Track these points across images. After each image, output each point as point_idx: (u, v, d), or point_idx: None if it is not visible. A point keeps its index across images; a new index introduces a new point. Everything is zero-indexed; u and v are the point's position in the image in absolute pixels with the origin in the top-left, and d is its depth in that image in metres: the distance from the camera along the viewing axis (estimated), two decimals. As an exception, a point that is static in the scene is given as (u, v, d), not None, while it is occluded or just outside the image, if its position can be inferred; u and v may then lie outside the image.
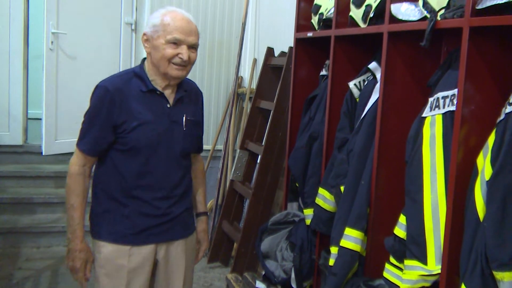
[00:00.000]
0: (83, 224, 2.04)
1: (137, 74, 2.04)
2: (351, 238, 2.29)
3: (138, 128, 1.98)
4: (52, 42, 4.48)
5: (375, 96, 2.33)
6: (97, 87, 2.02)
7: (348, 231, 2.30)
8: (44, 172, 4.80)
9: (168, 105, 2.06)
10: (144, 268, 2.08)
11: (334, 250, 2.39)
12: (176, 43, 1.97)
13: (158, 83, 2.05)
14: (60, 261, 4.08)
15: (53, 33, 4.49)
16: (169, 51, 1.96)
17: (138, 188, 2.03)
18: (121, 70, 4.66)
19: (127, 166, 2.02)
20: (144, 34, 2.02)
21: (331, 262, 2.39)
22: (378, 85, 2.30)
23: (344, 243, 2.30)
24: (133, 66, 4.91)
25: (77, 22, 4.70)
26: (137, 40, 5.03)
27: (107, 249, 2.05)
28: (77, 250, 2.03)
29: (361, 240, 2.28)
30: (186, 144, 2.13)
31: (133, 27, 5.04)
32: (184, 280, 2.20)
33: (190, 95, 2.18)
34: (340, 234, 2.33)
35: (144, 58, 2.10)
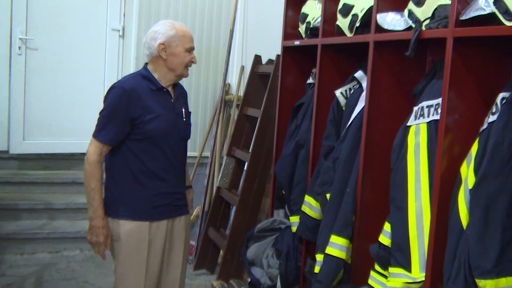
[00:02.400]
0: (103, 204, 2.33)
1: (144, 76, 2.38)
2: (337, 246, 2.30)
3: (152, 120, 2.31)
4: (19, 48, 4.71)
5: (361, 104, 2.35)
6: (113, 87, 2.34)
7: (334, 238, 2.31)
8: (29, 178, 4.74)
9: (172, 100, 2.43)
10: (161, 240, 2.42)
11: (319, 257, 2.40)
12: (190, 50, 2.39)
13: (163, 83, 2.40)
14: (45, 268, 4.04)
15: (20, 38, 4.68)
16: (188, 57, 2.39)
17: (155, 170, 2.36)
18: (105, 76, 4.73)
19: (144, 152, 2.34)
20: (162, 44, 2.34)
21: (317, 269, 2.40)
22: (364, 94, 2.32)
23: (329, 250, 2.31)
24: (119, 72, 5.03)
25: (51, 28, 4.86)
26: (124, 46, 5.04)
27: (129, 226, 2.36)
28: (100, 226, 2.32)
29: (346, 247, 2.30)
30: (187, 131, 2.51)
31: (120, 33, 5.04)
32: (183, 249, 2.54)
33: (181, 92, 2.55)
34: (326, 242, 2.34)
35: (146, 63, 2.44)
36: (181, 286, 2.57)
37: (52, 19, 4.86)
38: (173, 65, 2.37)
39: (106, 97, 2.34)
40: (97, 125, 2.33)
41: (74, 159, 4.95)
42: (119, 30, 5.04)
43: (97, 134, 2.31)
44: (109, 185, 2.42)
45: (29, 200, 4.55)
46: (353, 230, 2.30)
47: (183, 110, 2.49)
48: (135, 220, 2.36)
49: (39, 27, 4.82)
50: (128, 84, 2.33)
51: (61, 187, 4.76)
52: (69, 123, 4.91)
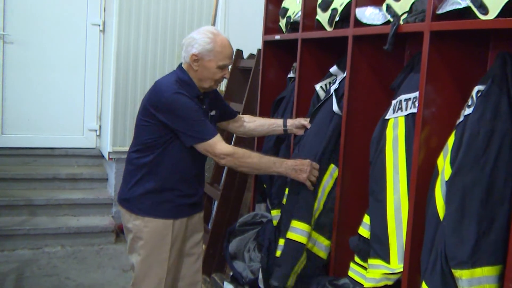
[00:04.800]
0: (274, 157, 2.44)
1: (185, 82, 2.34)
2: (298, 231, 2.33)
3: None
4: None
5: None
6: (176, 95, 2.27)
7: (295, 223, 2.35)
8: (8, 174, 4.70)
9: (204, 107, 2.42)
10: (181, 237, 2.46)
11: (282, 242, 2.44)
12: (223, 67, 2.34)
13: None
14: (25, 264, 4.01)
15: None
16: (219, 74, 2.35)
17: (182, 172, 2.38)
18: (86, 70, 4.71)
19: (178, 155, 2.35)
20: (195, 55, 2.30)
21: (278, 253, 2.45)
22: (333, 86, 2.39)
23: (290, 235, 2.35)
24: (100, 66, 5.02)
25: (29, 23, 4.90)
26: (105, 40, 5.02)
27: (154, 224, 2.38)
28: (298, 163, 2.33)
29: (307, 232, 2.33)
30: None
31: (100, 28, 5.01)
32: (201, 242, 2.64)
33: (210, 96, 2.50)
34: (287, 227, 2.39)
35: (181, 64, 2.39)
36: (200, 277, 2.66)
37: (30, 14, 4.88)
38: (202, 76, 2.35)
39: (178, 105, 2.27)
40: (197, 131, 2.29)
41: (54, 155, 4.91)
42: (99, 25, 5.03)
43: (206, 136, 2.29)
44: (136, 183, 2.40)
45: (9, 197, 4.51)
46: (332, 223, 2.33)
47: (209, 115, 2.47)
48: (160, 218, 2.37)
49: (17, 22, 4.83)
50: (179, 88, 2.29)
51: (41, 183, 4.73)
52: (49, 118, 4.91)
